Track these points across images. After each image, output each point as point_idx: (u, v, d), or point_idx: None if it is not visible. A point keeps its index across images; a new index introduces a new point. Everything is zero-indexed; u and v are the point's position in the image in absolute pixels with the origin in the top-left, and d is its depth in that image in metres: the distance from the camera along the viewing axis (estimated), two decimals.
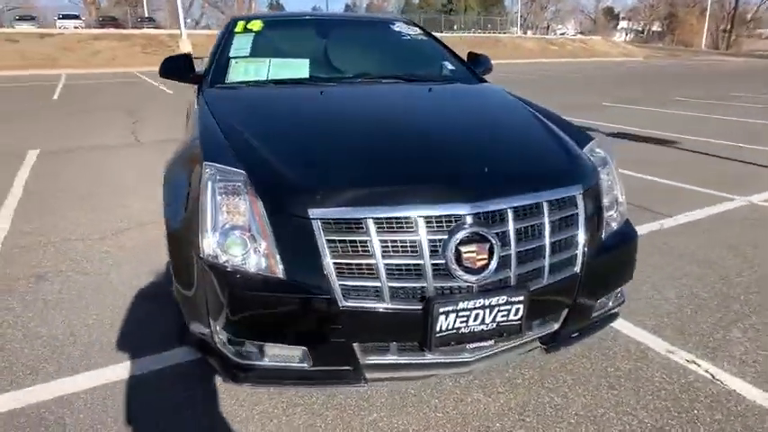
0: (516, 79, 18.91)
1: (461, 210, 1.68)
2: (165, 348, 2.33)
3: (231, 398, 2.02)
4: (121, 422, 1.90)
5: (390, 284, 1.65)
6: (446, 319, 1.66)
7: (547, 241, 1.80)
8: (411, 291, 1.67)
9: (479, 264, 1.68)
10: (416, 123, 2.21)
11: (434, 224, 1.67)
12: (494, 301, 1.69)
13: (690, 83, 17.86)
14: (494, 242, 1.68)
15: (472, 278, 1.67)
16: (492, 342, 1.81)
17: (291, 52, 3.07)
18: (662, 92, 14.31)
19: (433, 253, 1.66)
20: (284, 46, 3.19)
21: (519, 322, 1.75)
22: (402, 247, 1.66)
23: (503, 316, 1.72)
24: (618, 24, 79.87)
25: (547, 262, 1.81)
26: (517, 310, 1.73)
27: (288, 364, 1.73)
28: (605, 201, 2.07)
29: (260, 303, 1.66)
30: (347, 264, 1.64)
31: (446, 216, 1.68)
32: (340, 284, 1.63)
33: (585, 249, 1.88)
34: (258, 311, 1.68)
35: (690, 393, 2.08)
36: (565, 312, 1.94)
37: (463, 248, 1.66)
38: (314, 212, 1.64)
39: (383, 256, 1.64)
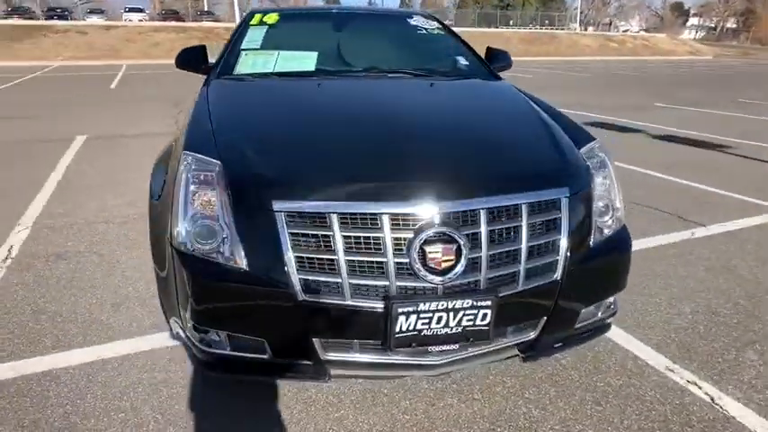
0: (566, 76, 18.28)
1: (429, 209, 1.63)
2: (158, 330, 2.41)
3: (207, 384, 2.05)
4: (99, 398, 1.98)
5: (351, 281, 1.62)
6: (406, 319, 1.62)
7: (523, 245, 1.72)
8: (373, 289, 1.64)
9: (444, 265, 1.62)
10: (403, 119, 2.16)
11: (400, 222, 1.63)
12: (458, 304, 1.63)
13: (760, 84, 16.68)
14: (462, 243, 1.62)
15: (437, 279, 1.62)
16: (458, 346, 1.74)
17: (302, 45, 3.07)
18: (726, 93, 13.44)
19: (398, 252, 1.62)
20: (296, 39, 3.20)
21: (487, 328, 1.68)
22: (365, 244, 1.63)
23: (469, 320, 1.66)
24: (687, 21, 75.64)
25: (522, 267, 1.73)
26: (484, 315, 1.66)
27: (250, 354, 1.73)
28: (600, 205, 1.96)
29: (221, 293, 1.67)
30: (308, 258, 1.62)
31: (412, 215, 1.63)
32: (300, 278, 1.62)
33: (568, 255, 1.78)
34: (220, 301, 1.69)
35: (682, 417, 1.94)
36: (543, 321, 1.85)
37: (428, 248, 1.61)
38: (278, 205, 1.63)
39: (345, 253, 1.61)
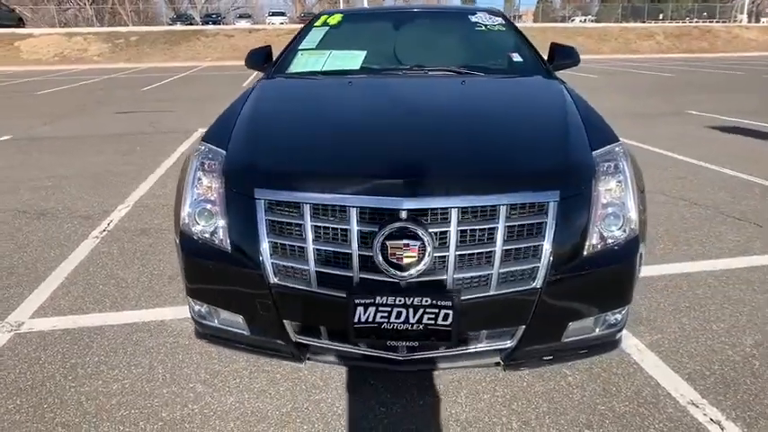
0: (711, 75, 16.25)
1: (396, 204, 1.64)
2: None
3: (220, 353, 2.26)
4: (128, 353, 2.28)
5: (318, 269, 1.69)
6: (365, 311, 1.65)
7: (498, 248, 1.66)
8: (337, 278, 1.69)
9: (407, 261, 1.63)
10: (411, 116, 2.17)
11: (367, 216, 1.67)
12: (416, 301, 1.63)
13: None
14: (426, 241, 1.61)
15: (398, 274, 1.63)
16: (417, 344, 1.73)
17: (357, 44, 3.18)
18: None
19: (363, 244, 1.66)
20: (352, 38, 3.32)
21: (449, 329, 1.65)
22: (333, 234, 1.69)
23: (430, 319, 1.65)
24: None
25: (496, 270, 1.66)
26: (446, 315, 1.64)
27: (233, 328, 1.89)
28: (606, 212, 1.81)
29: (208, 271, 1.84)
30: (281, 244, 1.73)
31: (379, 209, 1.66)
32: (272, 262, 1.73)
33: (551, 262, 1.68)
34: (206, 277, 1.87)
35: None
36: (521, 329, 1.75)
37: (391, 243, 1.63)
38: (259, 193, 1.76)
39: (314, 242, 1.69)
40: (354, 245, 1.66)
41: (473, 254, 1.67)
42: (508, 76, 2.88)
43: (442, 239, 1.65)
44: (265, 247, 1.73)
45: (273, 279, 1.73)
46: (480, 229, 1.67)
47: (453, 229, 1.65)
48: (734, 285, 2.86)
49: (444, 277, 1.66)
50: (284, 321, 1.79)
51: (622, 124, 7.39)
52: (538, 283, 1.69)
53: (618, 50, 28.85)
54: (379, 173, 1.74)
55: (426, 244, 1.62)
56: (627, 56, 27.26)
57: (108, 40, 27.03)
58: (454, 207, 1.65)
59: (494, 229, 1.67)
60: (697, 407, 1.93)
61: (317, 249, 1.70)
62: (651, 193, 4.36)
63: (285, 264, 1.73)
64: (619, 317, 1.90)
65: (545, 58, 3.16)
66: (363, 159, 1.84)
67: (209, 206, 1.89)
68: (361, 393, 2.02)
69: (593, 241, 1.77)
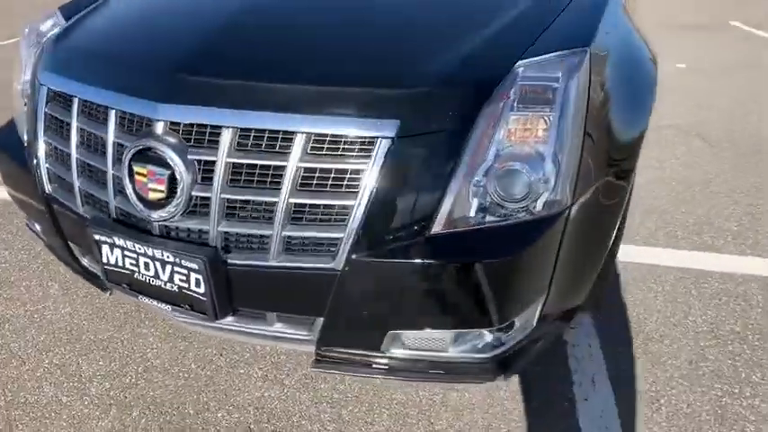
0: None
1: (149, 111, 1.15)
2: None
3: None
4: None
5: (80, 186, 1.31)
6: (111, 252, 1.25)
7: (282, 199, 1.08)
8: (98, 202, 1.30)
9: (152, 196, 1.15)
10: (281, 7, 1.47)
11: (126, 123, 1.20)
12: (158, 253, 1.16)
13: None
14: (179, 171, 1.11)
15: (146, 212, 1.17)
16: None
17: None
18: None
19: (118, 162, 1.21)
20: None
21: (204, 299, 1.17)
22: (94, 142, 1.28)
23: (181, 280, 1.18)
24: None
25: (277, 232, 1.10)
26: (198, 281, 1.16)
27: (42, 236, 1.61)
28: (501, 166, 1.08)
29: (8, 168, 1.55)
30: (54, 146, 1.37)
31: (137, 116, 1.17)
32: (47, 167, 1.39)
33: (362, 234, 1.06)
34: (7, 177, 1.58)
35: None
36: (319, 322, 1.19)
37: (137, 168, 1.15)
38: (42, 77, 1.39)
39: (78, 149, 1.30)
40: (109, 160, 1.22)
41: (247, 202, 1.11)
42: None
43: (208, 173, 1.12)
44: (41, 146, 1.38)
45: (48, 188, 1.39)
46: (262, 166, 1.09)
47: (221, 160, 1.10)
48: None
49: (207, 228, 1.15)
50: (68, 241, 1.46)
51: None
52: (339, 262, 1.09)
53: None
54: (150, 65, 1.22)
55: (179, 176, 1.11)
56: None
57: None
58: (227, 126, 1.09)
59: (281, 168, 1.08)
60: None
61: (80, 160, 1.30)
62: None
63: (56, 172, 1.37)
64: (502, 336, 1.20)
65: None
66: (148, 46, 1.30)
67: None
68: (183, 339, 1.66)
69: (459, 213, 1.08)
